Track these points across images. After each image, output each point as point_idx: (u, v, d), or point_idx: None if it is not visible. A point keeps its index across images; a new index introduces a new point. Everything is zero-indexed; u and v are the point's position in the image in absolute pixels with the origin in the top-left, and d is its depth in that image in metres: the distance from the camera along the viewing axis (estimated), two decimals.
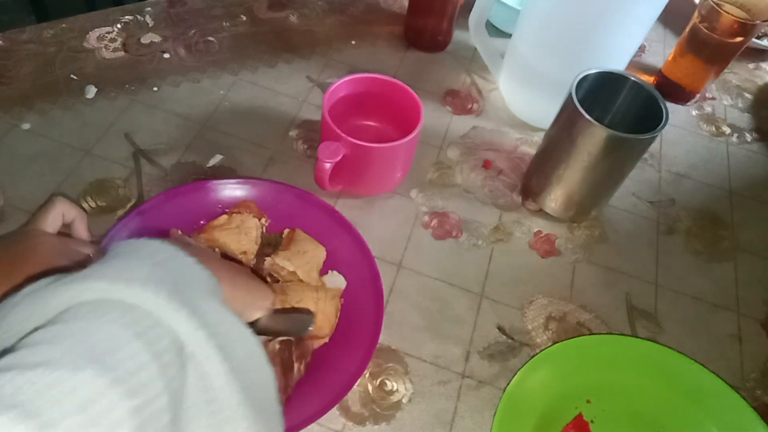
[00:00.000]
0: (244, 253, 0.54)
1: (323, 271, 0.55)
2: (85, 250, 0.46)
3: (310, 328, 0.42)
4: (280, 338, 0.47)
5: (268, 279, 0.55)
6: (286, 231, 0.57)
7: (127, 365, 0.25)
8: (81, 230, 0.49)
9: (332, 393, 0.47)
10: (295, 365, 0.47)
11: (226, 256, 0.53)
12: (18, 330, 0.26)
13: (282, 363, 0.46)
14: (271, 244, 0.57)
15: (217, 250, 0.52)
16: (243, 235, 0.54)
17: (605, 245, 0.65)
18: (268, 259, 0.53)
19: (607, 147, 0.55)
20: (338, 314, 0.53)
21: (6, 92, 0.66)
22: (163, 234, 0.53)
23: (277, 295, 0.51)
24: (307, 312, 0.46)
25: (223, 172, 0.63)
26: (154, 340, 0.27)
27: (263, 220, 0.57)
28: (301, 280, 0.53)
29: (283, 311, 0.47)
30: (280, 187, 0.59)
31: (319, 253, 0.55)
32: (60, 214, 0.47)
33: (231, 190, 0.58)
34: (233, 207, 0.57)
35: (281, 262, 0.52)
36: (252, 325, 0.41)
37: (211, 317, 0.30)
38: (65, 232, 0.48)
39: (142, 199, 0.60)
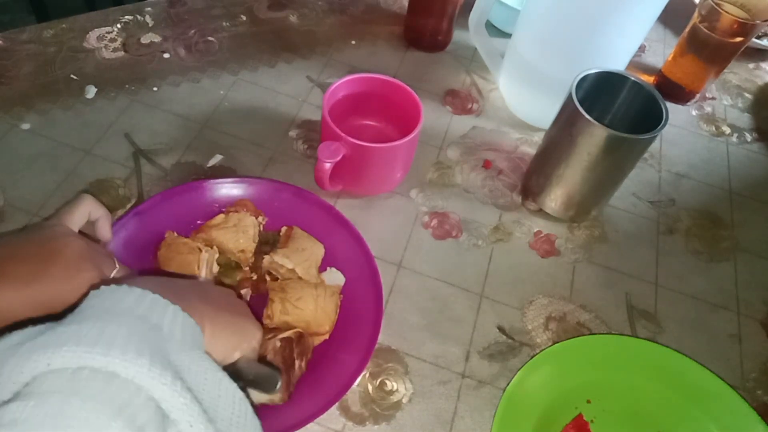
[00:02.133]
0: (243, 251, 0.54)
1: (322, 268, 0.55)
2: (105, 256, 0.45)
3: (277, 388, 0.40)
4: (281, 336, 0.47)
5: (267, 277, 0.55)
6: (283, 229, 0.57)
7: None
8: (105, 229, 0.49)
9: (333, 390, 0.47)
10: (296, 362, 0.47)
11: (221, 282, 0.53)
12: None
13: (283, 360, 0.46)
14: (269, 242, 0.57)
15: (203, 277, 0.51)
16: (241, 234, 0.54)
17: (605, 245, 0.65)
18: (266, 257, 0.54)
19: (607, 147, 0.55)
20: (338, 311, 0.53)
21: (6, 92, 0.66)
22: (159, 236, 0.54)
23: (276, 293, 0.51)
24: (277, 369, 0.44)
25: (223, 172, 0.63)
26: (135, 414, 0.26)
27: (260, 219, 0.57)
28: (300, 278, 0.53)
29: (261, 360, 0.44)
30: (276, 185, 0.59)
31: (317, 251, 0.55)
32: (87, 212, 0.46)
33: (227, 189, 0.58)
34: (230, 206, 0.57)
35: (280, 260, 0.53)
36: (232, 364, 0.40)
37: (194, 378, 0.30)
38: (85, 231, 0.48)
39: (142, 199, 0.60)
